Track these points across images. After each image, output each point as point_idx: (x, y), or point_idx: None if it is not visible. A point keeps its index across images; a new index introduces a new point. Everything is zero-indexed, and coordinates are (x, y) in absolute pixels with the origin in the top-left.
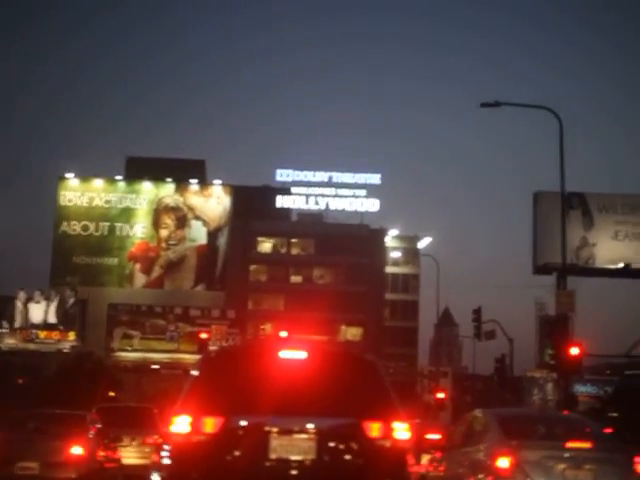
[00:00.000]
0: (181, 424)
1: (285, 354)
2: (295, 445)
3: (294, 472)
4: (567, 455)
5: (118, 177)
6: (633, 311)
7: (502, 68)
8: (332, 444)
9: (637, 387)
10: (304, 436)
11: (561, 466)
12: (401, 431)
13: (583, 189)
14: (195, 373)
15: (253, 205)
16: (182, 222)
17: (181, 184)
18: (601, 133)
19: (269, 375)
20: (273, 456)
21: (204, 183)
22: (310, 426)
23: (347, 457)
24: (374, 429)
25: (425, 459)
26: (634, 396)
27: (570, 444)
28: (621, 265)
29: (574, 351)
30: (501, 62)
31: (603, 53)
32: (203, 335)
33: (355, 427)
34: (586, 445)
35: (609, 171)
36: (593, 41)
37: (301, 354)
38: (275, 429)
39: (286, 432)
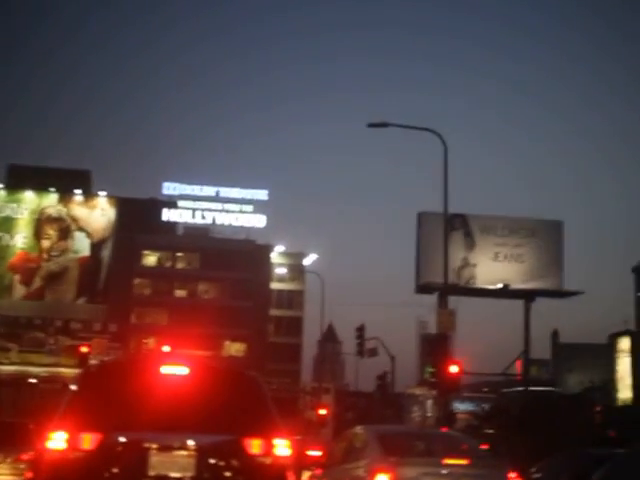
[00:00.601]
0: (57, 440)
1: (166, 370)
2: (175, 462)
3: None
4: (444, 471)
5: None
6: (510, 331)
7: (388, 88)
8: (212, 461)
9: (511, 404)
10: (184, 453)
11: None
12: (282, 448)
13: (465, 211)
14: (74, 388)
15: (139, 218)
16: (65, 233)
17: (65, 194)
18: (484, 157)
19: (150, 391)
20: (152, 473)
21: (89, 194)
22: (190, 443)
23: (227, 474)
24: (255, 446)
25: (306, 476)
26: (508, 413)
27: (447, 460)
28: (500, 286)
29: (453, 369)
30: (386, 83)
31: (491, 79)
32: (84, 349)
33: (235, 444)
34: (463, 461)
35: (491, 194)
36: (481, 66)
37: (183, 370)
38: (154, 445)
39: (165, 449)
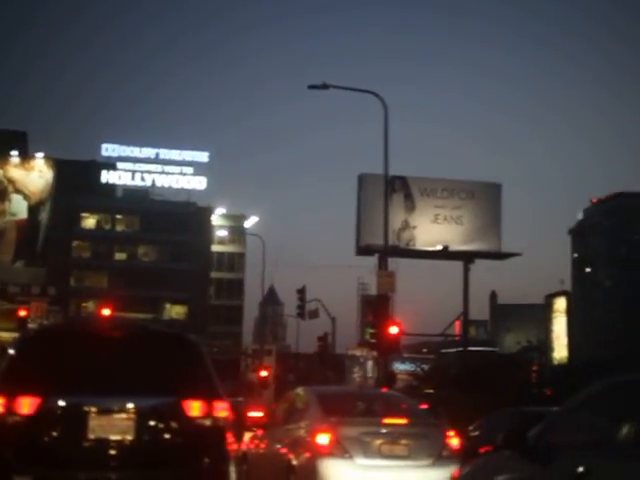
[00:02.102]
0: None
1: (105, 334)
2: (114, 425)
3: (113, 452)
4: (384, 431)
5: None
6: (449, 292)
7: (329, 49)
8: (152, 423)
9: (450, 365)
10: (123, 415)
11: (378, 441)
12: (220, 410)
13: (406, 173)
14: (12, 352)
15: (77, 180)
16: (2, 195)
17: (1, 156)
18: (426, 118)
19: (88, 355)
20: (92, 436)
21: (26, 156)
22: (129, 405)
23: (167, 436)
24: (194, 408)
25: (247, 436)
26: (447, 373)
27: (386, 420)
28: (439, 247)
29: (393, 330)
30: (327, 43)
31: (435, 37)
32: (22, 312)
33: (175, 406)
34: (402, 421)
35: (431, 155)
36: (422, 25)
37: (122, 334)
38: (94, 409)
39: (105, 412)
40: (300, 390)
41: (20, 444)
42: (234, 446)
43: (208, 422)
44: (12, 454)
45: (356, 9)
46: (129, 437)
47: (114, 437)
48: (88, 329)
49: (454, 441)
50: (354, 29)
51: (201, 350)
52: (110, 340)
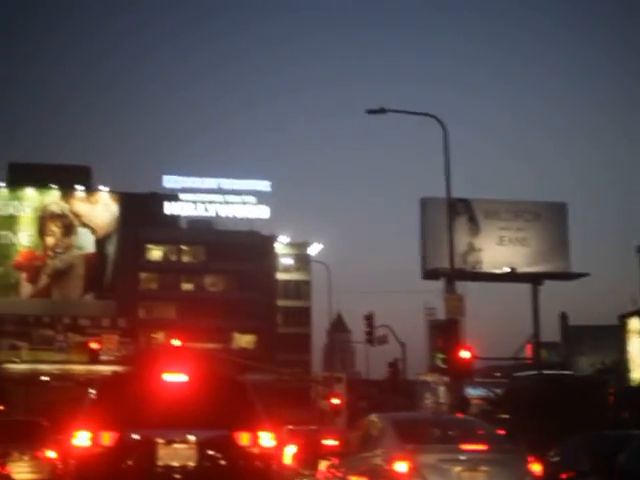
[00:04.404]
0: (82, 438)
1: (168, 377)
2: (178, 454)
3: (178, 476)
4: (463, 458)
5: (1, 184)
6: (517, 315)
7: (388, 72)
8: (209, 452)
9: (524, 389)
10: (186, 446)
11: (457, 469)
12: (267, 439)
13: (467, 196)
14: (92, 393)
15: (141, 212)
16: (69, 230)
17: (67, 191)
18: (481, 144)
19: (155, 395)
20: (160, 463)
21: (90, 190)
22: (191, 437)
23: (222, 462)
24: (243, 438)
25: (323, 465)
26: (522, 397)
27: (465, 446)
28: (507, 269)
29: (465, 354)
30: (387, 67)
31: (492, 62)
32: (93, 345)
33: (228, 437)
34: (481, 447)
35: (491, 180)
36: (481, 49)
37: (182, 377)
38: (162, 440)
39: (171, 443)
40: (374, 417)
41: (103, 471)
42: (282, 471)
43: (256, 450)
44: (97, 479)
45: (419, 29)
46: (191, 464)
47: (179, 464)
48: (154, 374)
49: (536, 467)
50: (413, 51)
51: (248, 389)
52: (172, 383)
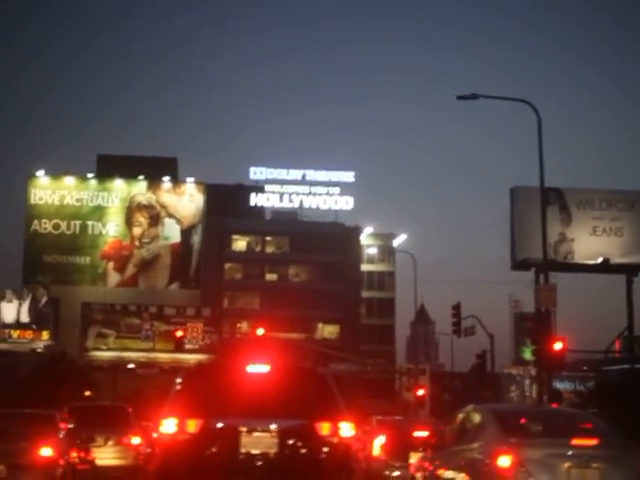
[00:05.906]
0: (169, 425)
1: (251, 368)
2: (261, 442)
3: (260, 463)
4: (572, 453)
5: (89, 175)
6: (609, 307)
7: (478, 60)
8: (290, 441)
9: (617, 383)
10: (268, 434)
11: (566, 464)
12: (347, 430)
13: (559, 184)
14: (178, 383)
15: (227, 203)
16: (155, 220)
17: (153, 182)
18: (577, 127)
19: (239, 385)
20: (243, 451)
21: (177, 181)
22: (273, 426)
23: (303, 451)
24: (324, 428)
25: (414, 457)
26: (614, 391)
27: (575, 441)
28: (600, 260)
29: (557, 346)
30: (477, 54)
31: (588, 48)
32: (179, 333)
33: (308, 427)
34: (592, 442)
35: (586, 166)
36: (577, 34)
37: (264, 368)
38: (245, 429)
39: (253, 431)
40: (472, 408)
41: (188, 457)
42: (363, 462)
43: (336, 440)
44: (182, 465)
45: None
46: (273, 451)
47: (261, 452)
48: (237, 365)
49: None
50: (511, 40)
51: (330, 380)
52: (255, 374)
